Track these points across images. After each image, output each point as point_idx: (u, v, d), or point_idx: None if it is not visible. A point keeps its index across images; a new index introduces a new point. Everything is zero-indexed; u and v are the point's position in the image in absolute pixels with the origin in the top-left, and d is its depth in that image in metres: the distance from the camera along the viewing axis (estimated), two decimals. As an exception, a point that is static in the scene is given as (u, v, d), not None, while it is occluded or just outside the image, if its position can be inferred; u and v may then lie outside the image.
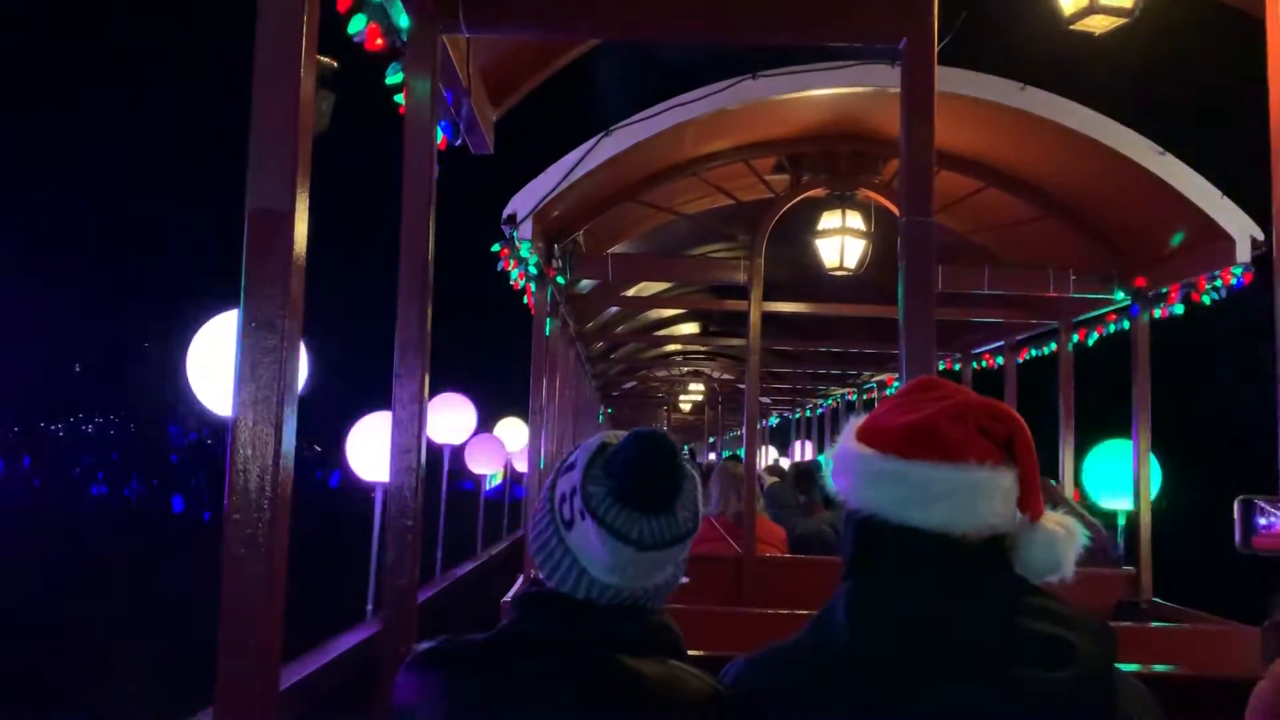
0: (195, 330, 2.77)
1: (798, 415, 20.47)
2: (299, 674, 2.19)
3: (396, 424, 2.33)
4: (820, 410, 18.08)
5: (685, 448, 28.90)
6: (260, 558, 1.46)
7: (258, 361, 1.56)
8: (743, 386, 6.18)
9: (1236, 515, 1.86)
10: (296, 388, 1.60)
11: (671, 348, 13.90)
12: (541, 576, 1.33)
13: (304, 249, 1.63)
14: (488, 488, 7.64)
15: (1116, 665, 1.18)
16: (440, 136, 2.91)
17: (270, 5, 1.63)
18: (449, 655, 1.30)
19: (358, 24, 2.40)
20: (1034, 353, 7.56)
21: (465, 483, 7.47)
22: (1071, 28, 2.45)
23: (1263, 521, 1.83)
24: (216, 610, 1.49)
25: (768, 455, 19.47)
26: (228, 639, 1.44)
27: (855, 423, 1.33)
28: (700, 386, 17.95)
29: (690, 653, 1.35)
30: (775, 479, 7.05)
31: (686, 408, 20.83)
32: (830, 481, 1.33)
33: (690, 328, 12.39)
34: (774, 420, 23.70)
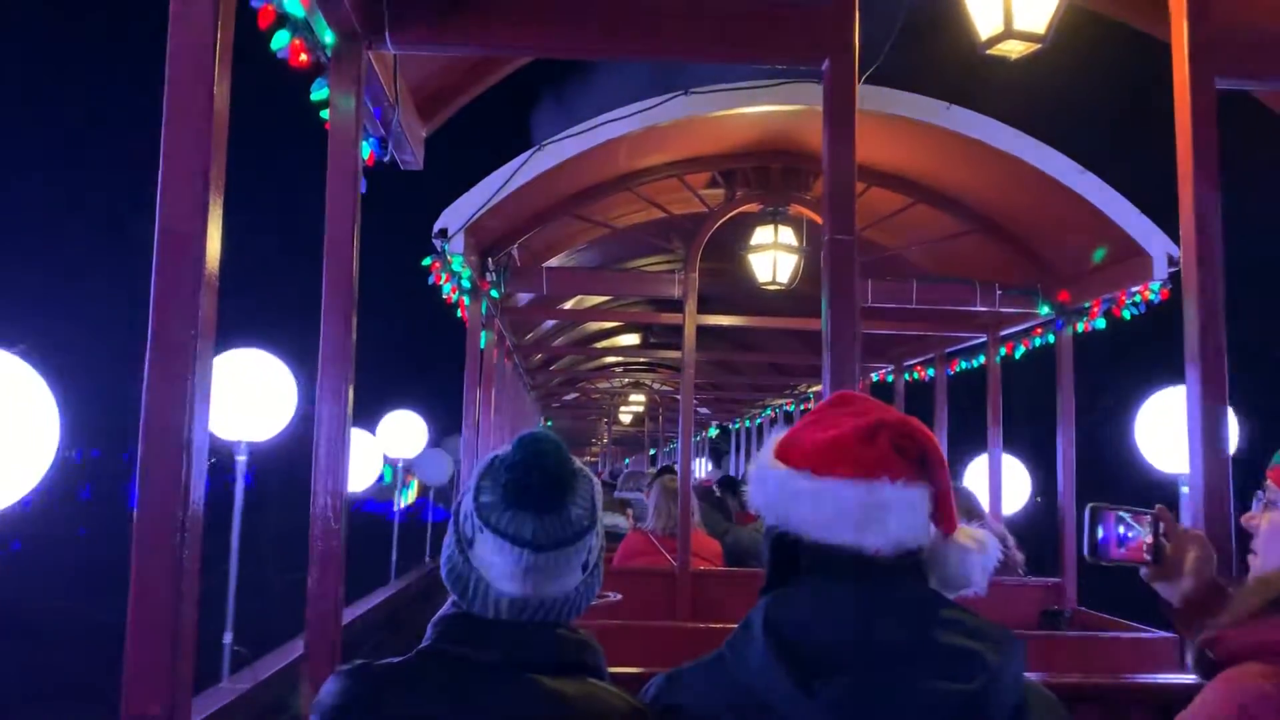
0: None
1: (737, 425, 20.60)
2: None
3: (320, 444, 2.30)
4: (759, 420, 18.22)
5: (625, 460, 28.91)
6: (169, 586, 1.43)
7: (167, 381, 1.52)
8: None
9: (1085, 524, 1.73)
10: (208, 407, 1.57)
11: (611, 359, 13.90)
12: (454, 599, 1.33)
13: (216, 268, 1.60)
14: (397, 508, 6.97)
15: (1025, 675, 1.21)
16: (368, 153, 2.88)
17: (182, 22, 1.60)
18: (370, 676, 1.28)
19: (281, 40, 2.36)
20: (964, 365, 7.71)
21: (367, 504, 6.70)
22: (988, 52, 2.50)
23: (1114, 532, 1.70)
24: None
25: (705, 467, 19.52)
26: (133, 670, 1.40)
27: (774, 438, 1.34)
28: (641, 398, 17.98)
29: (626, 669, 1.35)
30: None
31: (627, 419, 20.85)
32: (749, 498, 1.33)
33: (630, 339, 12.41)
34: (714, 430, 23.82)
